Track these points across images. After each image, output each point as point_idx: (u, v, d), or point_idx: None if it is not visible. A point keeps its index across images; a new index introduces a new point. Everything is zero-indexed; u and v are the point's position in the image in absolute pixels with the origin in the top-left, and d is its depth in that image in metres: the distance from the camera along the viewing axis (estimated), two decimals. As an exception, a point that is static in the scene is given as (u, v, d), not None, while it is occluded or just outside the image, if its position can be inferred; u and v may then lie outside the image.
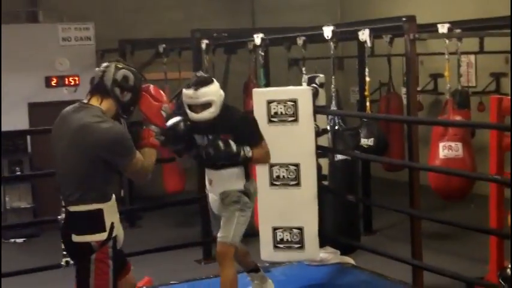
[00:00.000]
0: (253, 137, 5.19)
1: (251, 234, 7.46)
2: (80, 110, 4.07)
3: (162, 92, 4.39)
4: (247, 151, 5.09)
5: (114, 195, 4.15)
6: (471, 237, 7.87)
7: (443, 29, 7.27)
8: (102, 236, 4.01)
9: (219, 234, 5.20)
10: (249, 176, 5.28)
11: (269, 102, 6.16)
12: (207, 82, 5.09)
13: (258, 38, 7.95)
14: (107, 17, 11.43)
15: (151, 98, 4.26)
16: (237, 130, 5.11)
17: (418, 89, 10.42)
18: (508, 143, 5.59)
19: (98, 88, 4.07)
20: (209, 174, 5.31)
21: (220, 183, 5.23)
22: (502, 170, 5.61)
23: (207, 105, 5.04)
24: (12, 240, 9.61)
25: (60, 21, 10.45)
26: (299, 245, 6.18)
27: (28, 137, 10.00)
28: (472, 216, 8.45)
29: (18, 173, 9.84)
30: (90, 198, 4.00)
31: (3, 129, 9.59)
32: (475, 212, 8.82)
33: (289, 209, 6.12)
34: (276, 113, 6.15)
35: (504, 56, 10.54)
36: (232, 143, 5.03)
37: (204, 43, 8.50)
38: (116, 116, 4.13)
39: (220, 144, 5.00)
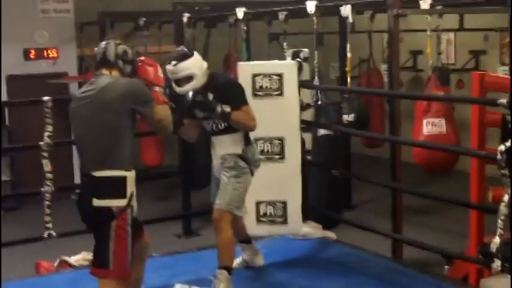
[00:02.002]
0: (235, 99, 5.25)
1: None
2: (94, 81, 4.43)
3: (151, 59, 4.77)
4: (225, 107, 5.15)
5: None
6: (451, 213, 7.97)
7: (425, 5, 7.28)
8: (122, 203, 4.27)
9: (215, 201, 5.36)
10: (248, 141, 5.43)
11: (254, 75, 6.15)
12: (186, 56, 5.24)
13: (240, 12, 7.93)
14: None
15: (146, 65, 4.67)
16: (220, 93, 5.22)
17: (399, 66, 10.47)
18: (490, 119, 5.64)
19: (104, 62, 4.47)
20: (212, 139, 5.47)
21: (221, 147, 5.39)
22: (483, 146, 5.66)
23: (188, 78, 5.19)
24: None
25: (39, -7, 10.35)
26: (282, 219, 6.21)
27: (6, 110, 9.91)
28: (452, 192, 8.53)
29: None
30: (116, 165, 4.29)
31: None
32: (455, 188, 8.91)
33: (273, 183, 6.13)
34: (261, 87, 6.15)
35: (483, 34, 10.62)
36: (210, 96, 5.14)
37: (185, 17, 8.46)
38: None
39: (198, 96, 5.11)
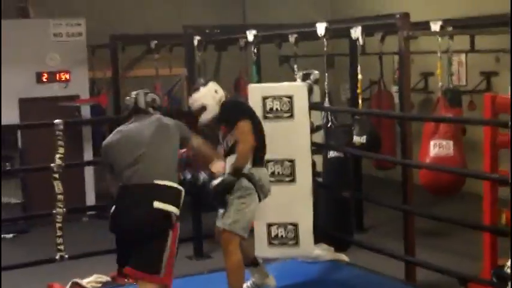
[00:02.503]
0: (229, 120, 5.54)
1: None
2: (137, 120, 5.05)
3: None
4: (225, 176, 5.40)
5: None
6: (463, 235, 7.89)
7: (435, 26, 7.29)
8: (177, 212, 4.75)
9: (221, 222, 5.49)
10: (258, 163, 5.51)
11: (264, 98, 6.17)
12: (198, 88, 5.66)
13: (250, 35, 7.94)
14: (98, 12, 11.39)
15: None
16: (223, 119, 5.59)
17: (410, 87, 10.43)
18: (502, 140, 5.61)
19: (136, 110, 5.08)
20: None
21: (230, 166, 5.49)
22: (496, 167, 5.64)
23: (202, 109, 5.57)
24: (2, 235, 9.56)
25: (51, 17, 10.39)
26: (294, 241, 6.20)
27: (19, 133, 9.94)
28: (462, 214, 8.48)
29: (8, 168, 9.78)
30: (174, 179, 4.83)
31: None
32: (464, 210, 8.85)
33: (284, 205, 6.13)
34: (271, 109, 6.16)
35: (494, 55, 10.58)
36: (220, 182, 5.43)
37: (196, 39, 8.48)
38: None
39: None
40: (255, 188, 5.41)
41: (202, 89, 5.59)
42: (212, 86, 5.63)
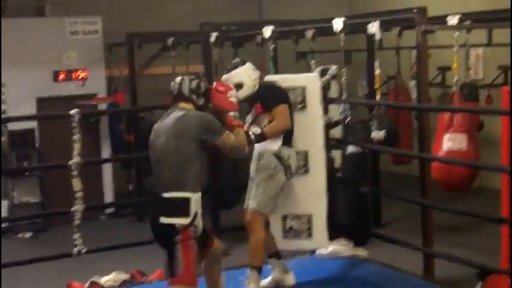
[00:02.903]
0: (269, 102, 5.79)
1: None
2: (171, 112, 5.01)
3: (224, 84, 5.42)
4: (255, 128, 5.64)
5: (201, 192, 4.90)
6: (481, 230, 7.87)
7: (453, 20, 7.24)
8: (186, 221, 4.77)
9: (248, 202, 5.73)
10: (287, 142, 5.76)
11: (279, 89, 6.13)
12: (237, 65, 5.88)
13: (267, 31, 7.92)
14: (115, 10, 11.39)
15: (217, 92, 5.20)
16: (262, 99, 5.78)
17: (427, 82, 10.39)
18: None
19: (179, 96, 5.05)
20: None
21: (261, 144, 5.72)
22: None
23: (238, 86, 5.68)
24: (20, 235, 9.61)
25: (67, 15, 10.42)
26: (308, 233, 6.17)
27: (36, 132, 9.98)
28: (480, 209, 8.44)
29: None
30: (182, 187, 4.79)
31: (12, 126, 9.61)
32: (483, 205, 8.81)
33: (298, 196, 6.11)
34: (285, 100, 6.12)
35: (512, 49, 10.51)
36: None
37: (213, 36, 8.48)
38: None
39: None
40: (283, 167, 5.64)
41: (240, 67, 5.82)
42: (250, 65, 5.90)
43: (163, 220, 4.79)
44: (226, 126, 5.13)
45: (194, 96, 5.03)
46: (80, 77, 10.30)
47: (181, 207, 4.78)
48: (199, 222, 4.90)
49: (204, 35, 8.55)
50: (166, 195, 4.80)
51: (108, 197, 10.38)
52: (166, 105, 5.33)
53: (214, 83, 5.38)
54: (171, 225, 4.77)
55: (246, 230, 5.84)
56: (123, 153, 10.36)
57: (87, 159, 6.71)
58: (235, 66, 5.87)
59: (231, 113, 5.20)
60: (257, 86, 5.86)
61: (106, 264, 6.93)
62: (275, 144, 5.70)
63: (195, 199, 4.82)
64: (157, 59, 10.87)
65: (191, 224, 4.78)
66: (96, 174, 10.19)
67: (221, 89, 5.27)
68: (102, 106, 10.40)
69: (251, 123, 5.78)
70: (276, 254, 6.02)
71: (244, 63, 5.90)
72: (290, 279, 5.92)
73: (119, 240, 7.48)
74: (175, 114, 4.94)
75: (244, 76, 5.78)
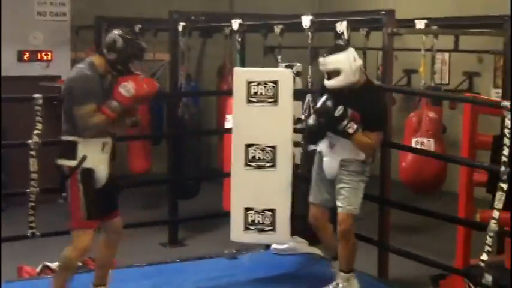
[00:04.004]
0: (372, 122, 5.26)
1: (221, 214, 7.48)
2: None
3: (136, 78, 4.97)
4: (351, 126, 5.14)
5: (105, 139, 5.00)
6: (440, 233, 7.94)
7: (420, 24, 7.32)
8: (72, 163, 4.88)
9: (341, 204, 5.40)
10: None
11: (249, 82, 6.11)
12: (338, 49, 5.32)
13: (235, 23, 7.92)
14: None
15: (123, 80, 4.93)
16: (365, 112, 5.21)
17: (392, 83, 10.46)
18: (481, 141, 5.64)
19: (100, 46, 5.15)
20: (333, 138, 5.41)
21: (343, 149, 5.35)
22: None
23: (335, 73, 5.21)
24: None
25: (35, -5, 10.31)
26: (270, 228, 6.14)
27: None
28: (440, 211, 8.51)
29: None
30: (70, 132, 4.92)
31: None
32: (444, 209, 8.88)
33: (262, 190, 6.08)
34: (255, 93, 6.10)
35: (477, 56, 10.63)
36: (341, 108, 5.12)
37: (181, 25, 8.44)
38: (106, 71, 4.98)
39: (329, 103, 5.18)
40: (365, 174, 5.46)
41: (344, 53, 5.23)
42: (352, 51, 5.30)
43: (57, 162, 4.96)
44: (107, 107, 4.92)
45: (105, 50, 4.95)
46: (45, 58, 10.20)
47: (68, 149, 4.90)
48: (98, 167, 4.98)
49: (172, 23, 8.51)
50: (62, 138, 4.99)
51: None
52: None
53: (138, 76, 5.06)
54: (60, 167, 4.94)
55: (207, 218, 5.62)
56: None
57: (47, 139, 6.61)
58: (334, 49, 5.33)
59: (113, 102, 4.90)
60: (357, 77, 5.28)
61: (60, 249, 6.86)
62: (361, 154, 5.37)
63: (84, 143, 4.89)
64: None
65: (78, 166, 4.87)
66: (55, 157, 10.06)
67: (127, 81, 4.95)
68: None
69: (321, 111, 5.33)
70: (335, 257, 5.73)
71: (344, 48, 5.33)
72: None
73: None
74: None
75: (345, 63, 5.19)
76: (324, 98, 5.30)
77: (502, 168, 4.99)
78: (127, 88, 4.89)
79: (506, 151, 4.97)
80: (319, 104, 5.34)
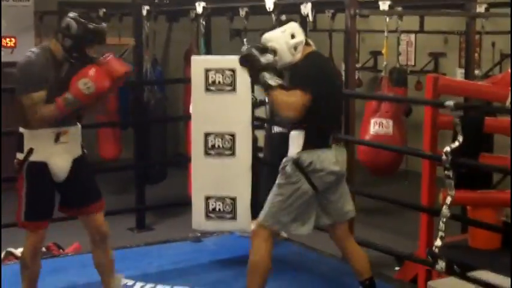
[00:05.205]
0: (296, 79, 4.57)
1: (183, 203, 7.46)
2: None
3: (98, 72, 4.46)
4: (274, 79, 4.51)
5: (59, 128, 4.54)
6: (404, 214, 7.99)
7: (384, 6, 7.30)
8: (20, 156, 4.52)
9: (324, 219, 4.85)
10: (311, 145, 4.59)
11: (207, 70, 6.09)
12: (273, 27, 4.78)
13: (199, 7, 7.87)
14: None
15: (83, 73, 4.43)
16: (292, 73, 4.66)
17: (358, 65, 10.51)
18: (442, 121, 5.66)
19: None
20: None
21: (290, 145, 4.73)
22: (435, 148, 5.69)
23: (273, 51, 4.63)
24: None
25: (-3, -20, 10.17)
26: (231, 215, 6.15)
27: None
28: (405, 192, 8.57)
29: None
30: (20, 122, 4.54)
31: None
32: (408, 189, 8.94)
33: (222, 178, 6.08)
34: (213, 82, 6.09)
35: (443, 36, 10.69)
36: (270, 56, 4.57)
37: (145, 9, 8.38)
38: (64, 58, 4.52)
39: (254, 50, 4.61)
40: (302, 176, 4.58)
41: (277, 30, 4.69)
42: (290, 27, 4.67)
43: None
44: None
45: (60, 35, 4.47)
46: (8, 45, 10.08)
47: (17, 142, 4.53)
48: (53, 160, 4.54)
49: (135, 7, 8.45)
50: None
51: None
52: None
53: (100, 63, 4.54)
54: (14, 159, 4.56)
55: (172, 206, 5.54)
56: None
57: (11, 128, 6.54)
58: (271, 27, 4.78)
59: (69, 96, 4.42)
60: (299, 55, 4.66)
61: (23, 236, 6.81)
62: (295, 149, 4.65)
63: (30, 134, 4.46)
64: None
65: (25, 159, 4.47)
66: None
67: (88, 70, 4.46)
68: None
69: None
70: (369, 284, 4.97)
71: (286, 23, 4.74)
72: None
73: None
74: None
75: (279, 41, 4.62)
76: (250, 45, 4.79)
77: (444, 157, 5.02)
78: (87, 85, 4.41)
79: (454, 144, 5.00)
80: (243, 49, 4.77)
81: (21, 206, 4.58)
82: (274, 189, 4.70)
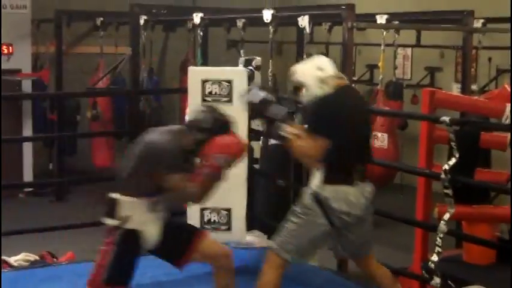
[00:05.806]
0: (315, 117, 4.53)
1: (178, 213, 7.43)
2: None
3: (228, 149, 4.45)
4: (285, 127, 4.53)
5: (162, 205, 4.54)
6: (398, 227, 7.96)
7: (381, 19, 7.34)
8: (113, 222, 4.44)
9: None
10: (331, 179, 4.45)
11: (204, 81, 6.11)
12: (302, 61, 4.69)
13: (197, 17, 7.88)
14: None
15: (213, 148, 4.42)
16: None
17: (354, 78, 10.51)
18: (439, 135, 5.67)
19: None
20: None
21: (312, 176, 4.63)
22: (431, 162, 5.70)
23: (300, 86, 4.61)
24: None
25: (-5, -12, 10.17)
26: (226, 227, 6.15)
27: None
28: (400, 205, 8.55)
29: None
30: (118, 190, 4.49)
31: None
32: (404, 202, 8.92)
33: (218, 190, 6.06)
34: (210, 93, 6.10)
35: (439, 51, 10.72)
36: (270, 97, 4.64)
37: (142, 19, 8.39)
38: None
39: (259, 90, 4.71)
40: (320, 211, 4.46)
41: (303, 63, 4.66)
42: (317, 61, 4.63)
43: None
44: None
45: (194, 130, 4.48)
46: (5, 52, 10.07)
47: (109, 207, 4.47)
48: (148, 229, 4.51)
49: (133, 16, 8.45)
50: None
51: (27, 175, 10.18)
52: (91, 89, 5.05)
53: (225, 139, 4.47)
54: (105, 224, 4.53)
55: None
56: (45, 131, 10.24)
57: (7, 136, 6.54)
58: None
59: (205, 170, 4.45)
60: (326, 88, 4.51)
61: (19, 244, 6.80)
62: (315, 182, 4.52)
63: (127, 202, 4.43)
64: (87, 38, 10.70)
65: (119, 227, 4.42)
66: (16, 152, 9.98)
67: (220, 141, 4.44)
68: (27, 82, 10.19)
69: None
70: None
71: (311, 56, 4.70)
72: None
73: (36, 219, 7.37)
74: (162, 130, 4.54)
75: (306, 76, 4.55)
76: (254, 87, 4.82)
77: (442, 176, 5.04)
78: (221, 161, 4.44)
79: (451, 161, 4.99)
80: (250, 92, 4.79)
81: (103, 269, 4.46)
82: (290, 216, 4.61)
